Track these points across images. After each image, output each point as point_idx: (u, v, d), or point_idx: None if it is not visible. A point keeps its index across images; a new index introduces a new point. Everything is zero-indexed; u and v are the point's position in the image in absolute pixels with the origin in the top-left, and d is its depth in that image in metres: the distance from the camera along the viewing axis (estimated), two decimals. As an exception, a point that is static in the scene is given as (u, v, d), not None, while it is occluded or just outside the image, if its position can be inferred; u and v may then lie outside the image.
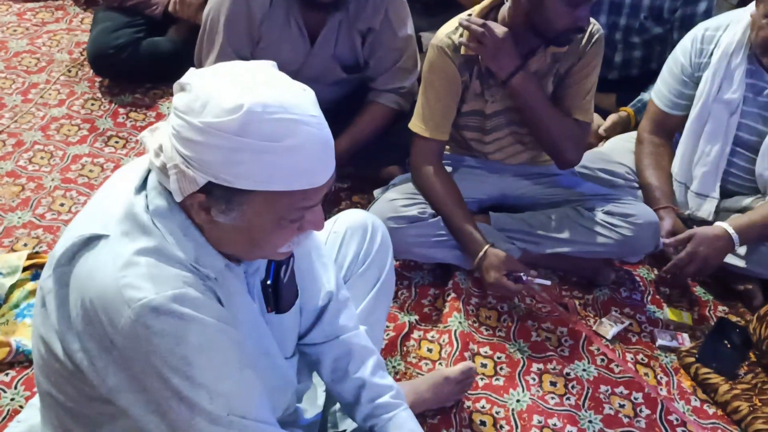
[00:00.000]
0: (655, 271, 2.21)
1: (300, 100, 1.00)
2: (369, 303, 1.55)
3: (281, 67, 2.21)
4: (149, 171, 1.07)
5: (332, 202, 2.31)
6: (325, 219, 1.17)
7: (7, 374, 1.66)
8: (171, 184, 1.00)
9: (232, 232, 1.04)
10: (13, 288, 1.82)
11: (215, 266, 1.06)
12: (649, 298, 2.15)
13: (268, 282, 1.19)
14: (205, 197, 1.00)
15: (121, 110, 2.56)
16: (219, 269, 1.07)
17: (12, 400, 1.60)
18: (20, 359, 1.68)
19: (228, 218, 1.01)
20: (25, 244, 2.00)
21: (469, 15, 1.90)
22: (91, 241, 1.03)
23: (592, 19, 1.93)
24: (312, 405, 1.50)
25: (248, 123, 0.94)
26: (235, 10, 2.07)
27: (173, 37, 2.69)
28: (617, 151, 2.34)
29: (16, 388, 1.63)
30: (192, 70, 1.02)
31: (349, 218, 1.59)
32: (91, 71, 2.64)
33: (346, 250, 1.56)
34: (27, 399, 1.58)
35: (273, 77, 1.02)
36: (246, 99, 0.95)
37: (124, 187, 1.07)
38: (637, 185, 2.27)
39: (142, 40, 2.60)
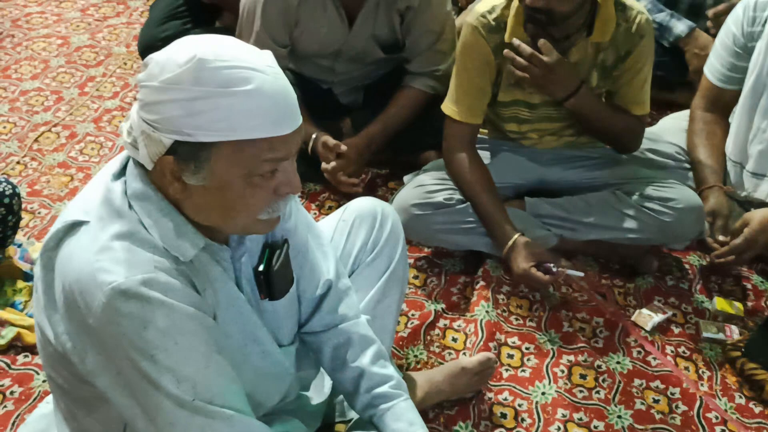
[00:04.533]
0: (707, 258, 2.07)
1: (255, 54, 1.02)
2: (377, 292, 1.53)
3: (320, 49, 2.24)
4: (129, 158, 1.09)
5: (368, 188, 2.29)
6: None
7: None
8: (140, 152, 1.02)
9: (207, 197, 1.04)
10: (53, 274, 1.91)
11: (195, 245, 1.07)
12: (698, 287, 2.02)
13: (260, 268, 1.19)
14: (174, 159, 1.01)
15: (170, 100, 2.62)
16: (198, 249, 1.08)
17: (44, 381, 1.69)
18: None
19: (199, 179, 1.02)
20: (70, 232, 2.09)
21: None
22: (73, 227, 1.06)
23: (639, 8, 1.81)
24: (318, 393, 1.50)
25: (200, 70, 0.97)
26: None
27: (223, 25, 2.74)
28: (668, 130, 2.21)
29: (48, 370, 1.71)
30: None
31: (358, 206, 1.57)
32: (145, 63, 2.72)
33: (354, 238, 1.54)
34: (57, 381, 1.66)
35: (231, 39, 1.04)
36: (198, 50, 0.98)
37: (104, 174, 1.10)
38: (688, 166, 2.13)
39: (190, 31, 2.64)
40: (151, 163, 1.02)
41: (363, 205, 1.57)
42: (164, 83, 0.97)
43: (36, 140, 2.40)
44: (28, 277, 1.89)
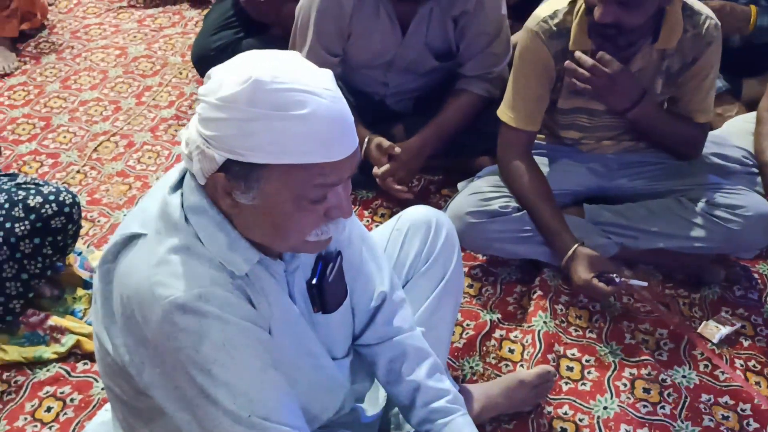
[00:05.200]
0: (778, 268, 1.98)
1: (315, 76, 1.00)
2: (432, 303, 1.50)
3: (373, 59, 2.22)
4: (186, 171, 1.09)
5: (421, 195, 2.26)
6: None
7: (100, 364, 1.77)
8: (194, 166, 1.02)
9: (256, 216, 1.03)
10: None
11: (249, 259, 1.07)
12: (769, 297, 1.93)
13: (313, 281, 1.18)
14: (225, 177, 1.00)
15: (224, 109, 2.64)
16: (252, 263, 1.07)
17: (102, 389, 1.71)
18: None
19: (248, 198, 1.01)
20: (128, 241, 2.12)
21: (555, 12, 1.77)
22: (131, 240, 1.07)
23: (707, 12, 1.75)
24: (373, 405, 1.47)
25: (256, 91, 0.96)
26: (326, 5, 2.07)
27: (273, 35, 2.75)
28: (734, 134, 2.11)
29: (107, 377, 1.74)
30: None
31: (412, 215, 1.54)
32: (200, 72, 2.75)
33: (408, 248, 1.51)
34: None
35: (289, 57, 1.03)
36: (256, 71, 0.97)
37: (162, 186, 1.11)
38: (756, 171, 2.03)
39: (242, 40, 2.66)
40: (203, 178, 1.02)
41: (417, 213, 1.54)
42: (221, 101, 0.97)
43: (95, 150, 2.45)
44: (87, 285, 1.92)
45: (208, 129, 0.99)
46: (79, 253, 2.00)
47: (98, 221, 2.19)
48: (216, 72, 1.01)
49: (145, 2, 3.29)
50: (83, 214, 1.93)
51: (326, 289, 1.19)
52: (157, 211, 1.06)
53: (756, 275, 1.98)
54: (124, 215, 2.21)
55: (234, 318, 1.03)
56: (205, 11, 3.18)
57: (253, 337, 1.05)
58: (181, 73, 2.84)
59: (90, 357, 1.77)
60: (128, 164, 2.41)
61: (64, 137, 2.51)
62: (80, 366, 1.76)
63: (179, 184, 1.09)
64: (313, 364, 1.22)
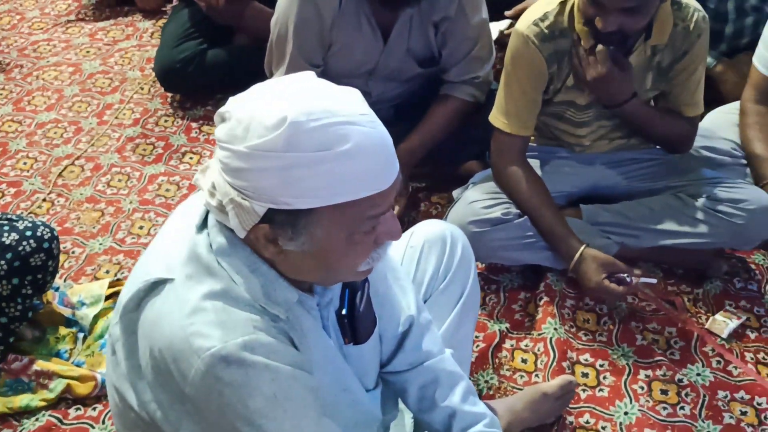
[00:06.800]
0: (774, 255, 2.00)
1: (346, 102, 0.92)
2: (453, 321, 1.45)
3: (355, 68, 2.13)
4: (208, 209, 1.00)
5: (410, 204, 2.20)
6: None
7: (94, 408, 1.66)
8: (231, 221, 0.93)
9: (306, 260, 0.96)
10: (97, 318, 1.82)
11: (288, 301, 0.99)
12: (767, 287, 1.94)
13: (344, 312, 1.11)
14: (269, 227, 0.92)
15: (194, 124, 2.53)
16: (291, 305, 1.00)
17: (101, 436, 1.60)
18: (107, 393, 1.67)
19: (297, 245, 0.94)
20: (107, 271, 2.00)
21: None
22: (156, 286, 0.98)
23: (696, 6, 1.74)
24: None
25: (294, 135, 0.87)
26: (304, 16, 1.97)
27: (240, 44, 2.65)
28: (721, 126, 2.12)
29: (104, 422, 1.62)
30: (231, 98, 0.95)
31: (425, 230, 1.48)
32: (163, 87, 2.63)
33: (425, 265, 1.46)
34: (115, 434, 1.57)
35: (313, 85, 0.94)
36: (287, 111, 0.88)
37: (185, 226, 1.01)
38: (745, 162, 2.04)
39: (207, 50, 2.56)
40: (243, 231, 0.93)
41: (431, 229, 1.49)
42: (253, 149, 0.88)
43: (60, 175, 2.31)
44: (69, 322, 1.80)
45: (241, 179, 0.90)
46: (57, 289, 1.87)
47: (73, 252, 2.05)
48: (234, 112, 0.91)
49: (95, 15, 3.13)
50: (59, 247, 1.80)
51: (358, 319, 1.12)
52: (186, 253, 0.97)
53: (753, 266, 1.99)
54: (100, 243, 2.08)
55: (283, 366, 0.95)
56: (160, 21, 3.05)
57: (302, 385, 0.97)
58: (142, 89, 2.70)
59: (82, 402, 1.66)
60: (97, 189, 2.27)
61: (24, 163, 2.36)
62: (73, 412, 1.64)
63: (204, 224, 1.00)
64: (351, 401, 1.16)
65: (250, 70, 2.25)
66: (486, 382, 1.71)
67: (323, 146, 0.88)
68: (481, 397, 1.64)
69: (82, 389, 1.66)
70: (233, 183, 0.91)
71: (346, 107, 0.91)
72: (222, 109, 0.94)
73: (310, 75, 0.98)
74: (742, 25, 2.34)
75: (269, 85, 0.96)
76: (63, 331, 1.79)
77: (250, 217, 0.92)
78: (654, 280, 1.76)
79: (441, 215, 2.09)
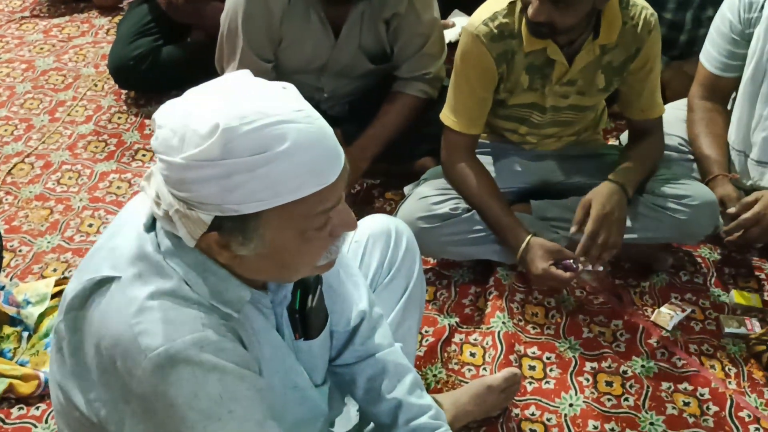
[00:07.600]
0: (718, 251, 2.03)
1: (279, 100, 0.90)
2: (397, 315, 1.45)
3: (306, 64, 2.12)
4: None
5: (364, 201, 2.21)
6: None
7: (37, 408, 1.63)
8: (179, 231, 0.92)
9: (262, 261, 0.95)
10: (42, 317, 1.79)
11: (241, 299, 0.99)
12: (713, 280, 1.97)
13: (296, 307, 1.10)
14: (218, 235, 0.91)
15: (147, 122, 2.51)
16: (243, 304, 0.99)
17: (43, 435, 1.58)
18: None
19: (250, 249, 0.93)
20: (55, 270, 1.97)
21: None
22: (102, 284, 0.96)
23: (644, 4, 1.76)
24: (345, 425, 1.41)
25: (229, 141, 0.85)
26: (253, 11, 1.97)
27: (195, 40, 2.63)
28: (668, 122, 2.13)
29: (47, 422, 1.60)
30: (162, 105, 0.93)
31: (370, 225, 1.48)
32: (117, 84, 2.60)
33: (369, 259, 1.45)
34: (58, 433, 1.55)
35: (245, 86, 0.92)
36: (219, 117, 0.86)
37: (133, 224, 0.99)
38: (692, 157, 2.08)
39: (162, 47, 2.54)
40: (193, 241, 0.92)
41: (375, 223, 1.49)
42: (190, 160, 0.86)
43: (9, 173, 2.28)
44: (14, 321, 1.78)
45: (184, 191, 0.88)
46: (2, 288, 1.85)
47: (20, 251, 2.02)
48: (167, 123, 0.89)
49: (50, 11, 3.09)
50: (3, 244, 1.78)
51: (310, 315, 1.12)
52: (134, 252, 0.95)
53: (699, 259, 2.03)
54: (48, 242, 2.05)
55: (231, 365, 0.93)
56: (116, 18, 3.02)
57: (250, 386, 0.96)
58: (96, 86, 2.67)
59: (25, 401, 1.64)
60: (47, 186, 2.24)
61: (-27, 161, 2.32)
62: (15, 412, 1.62)
63: (153, 224, 0.98)
64: (298, 397, 1.15)
65: (204, 67, 2.23)
66: (434, 375, 1.72)
67: (260, 149, 0.86)
68: (429, 390, 1.65)
69: (25, 388, 1.64)
70: (176, 194, 0.90)
71: (280, 106, 0.89)
72: (154, 116, 0.92)
73: (243, 74, 0.95)
74: (696, 35, 2.36)
75: (201, 90, 0.93)
76: (7, 330, 1.76)
77: (198, 227, 0.91)
78: (601, 268, 1.78)
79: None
